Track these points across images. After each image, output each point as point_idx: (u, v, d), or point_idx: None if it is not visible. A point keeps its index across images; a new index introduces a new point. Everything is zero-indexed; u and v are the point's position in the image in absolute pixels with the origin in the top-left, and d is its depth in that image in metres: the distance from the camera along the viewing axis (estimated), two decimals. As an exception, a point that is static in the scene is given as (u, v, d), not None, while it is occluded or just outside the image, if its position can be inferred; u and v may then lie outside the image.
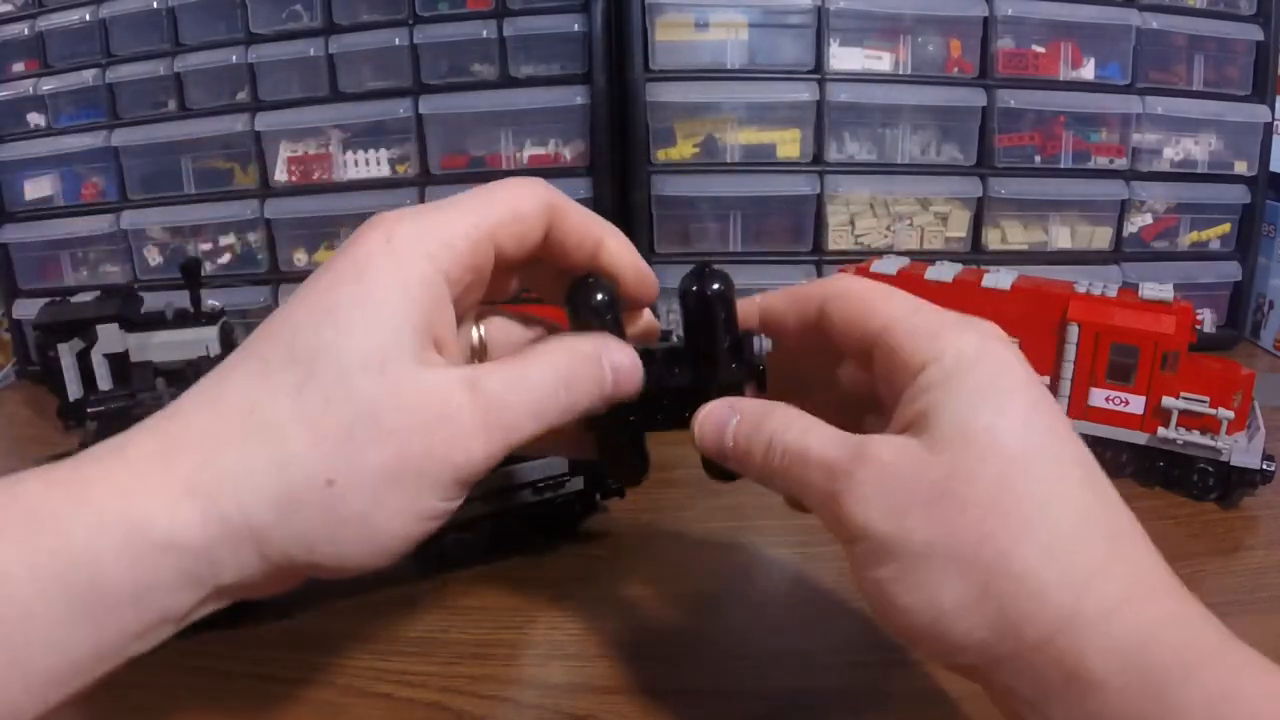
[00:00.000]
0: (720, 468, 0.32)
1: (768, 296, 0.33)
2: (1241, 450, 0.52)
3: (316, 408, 0.24)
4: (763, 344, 0.32)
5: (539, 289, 0.34)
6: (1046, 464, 0.25)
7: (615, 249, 0.31)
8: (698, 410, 0.31)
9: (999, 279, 0.58)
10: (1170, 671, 0.22)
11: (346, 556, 0.25)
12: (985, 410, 0.25)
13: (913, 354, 0.27)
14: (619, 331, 0.31)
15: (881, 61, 0.77)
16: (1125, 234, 0.80)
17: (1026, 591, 0.23)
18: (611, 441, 0.34)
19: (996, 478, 0.24)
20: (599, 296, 0.30)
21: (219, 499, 0.23)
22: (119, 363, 0.64)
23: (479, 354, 0.32)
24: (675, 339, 0.33)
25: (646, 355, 0.31)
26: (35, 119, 0.82)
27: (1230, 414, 0.51)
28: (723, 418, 0.30)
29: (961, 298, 0.59)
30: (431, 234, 0.26)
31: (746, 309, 0.33)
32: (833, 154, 0.78)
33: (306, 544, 0.24)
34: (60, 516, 0.22)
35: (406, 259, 0.26)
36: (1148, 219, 0.81)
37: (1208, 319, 0.81)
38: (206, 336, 0.65)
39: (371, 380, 0.24)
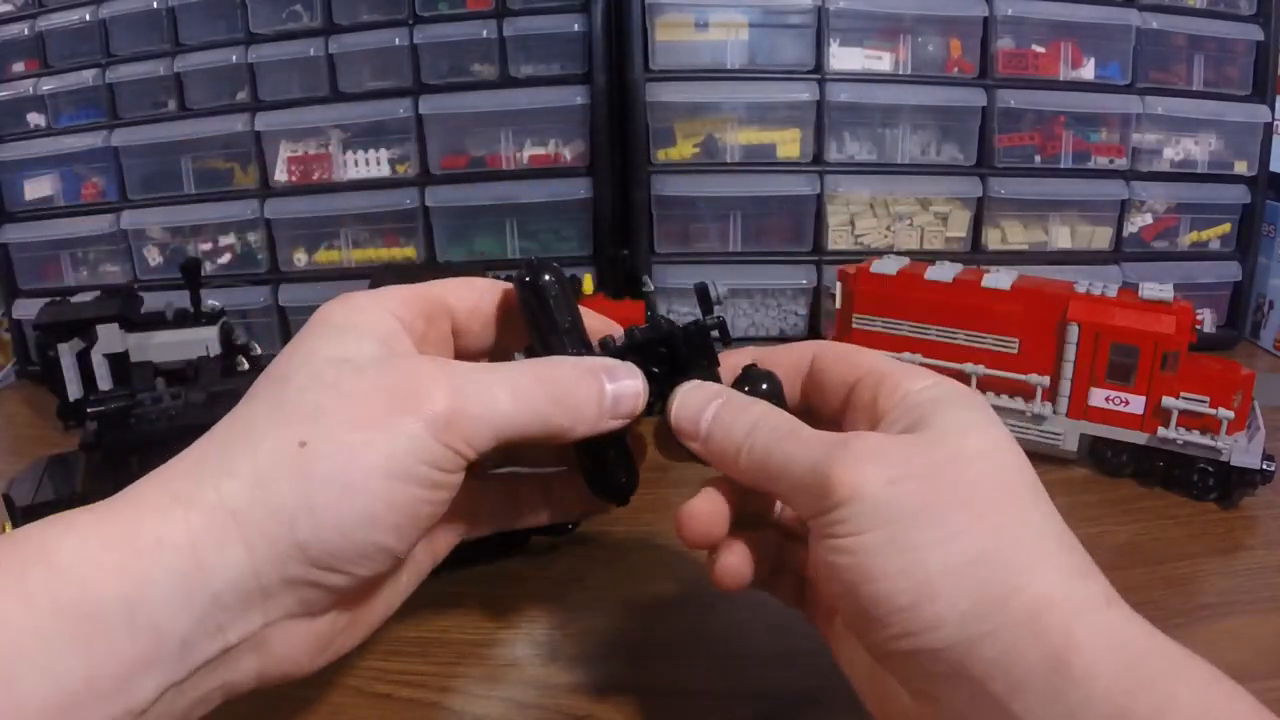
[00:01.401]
0: (680, 445, 0.32)
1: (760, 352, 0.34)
2: (1241, 450, 0.52)
3: (290, 397, 0.26)
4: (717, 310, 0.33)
5: None
6: (1029, 479, 0.26)
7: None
8: (678, 386, 0.31)
9: (999, 279, 0.58)
10: (1162, 667, 0.22)
11: (330, 526, 0.24)
12: (975, 424, 0.27)
13: (901, 382, 0.28)
14: (573, 313, 0.31)
15: (881, 61, 0.77)
16: (1125, 234, 0.80)
17: (1018, 565, 0.24)
18: (591, 454, 0.33)
19: (992, 473, 0.25)
20: (545, 277, 0.30)
21: (199, 492, 0.24)
22: (119, 363, 0.64)
23: None
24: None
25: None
26: (35, 119, 0.82)
27: (1230, 414, 0.51)
28: (706, 396, 0.30)
29: (961, 298, 0.59)
30: (383, 293, 0.30)
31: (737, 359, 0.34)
32: (833, 154, 0.78)
33: (286, 517, 0.24)
34: (50, 541, 0.22)
35: (365, 308, 0.29)
36: (1148, 219, 0.81)
37: (1208, 319, 0.81)
38: (206, 336, 0.65)
39: (341, 370, 0.26)
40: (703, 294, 0.34)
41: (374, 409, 0.25)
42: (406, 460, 0.25)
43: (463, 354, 0.33)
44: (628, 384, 0.30)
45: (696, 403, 0.30)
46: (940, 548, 0.24)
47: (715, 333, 0.32)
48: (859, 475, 0.25)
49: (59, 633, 0.21)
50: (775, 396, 0.31)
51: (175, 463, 0.26)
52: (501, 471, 0.37)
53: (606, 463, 0.34)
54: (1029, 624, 0.23)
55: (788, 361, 0.33)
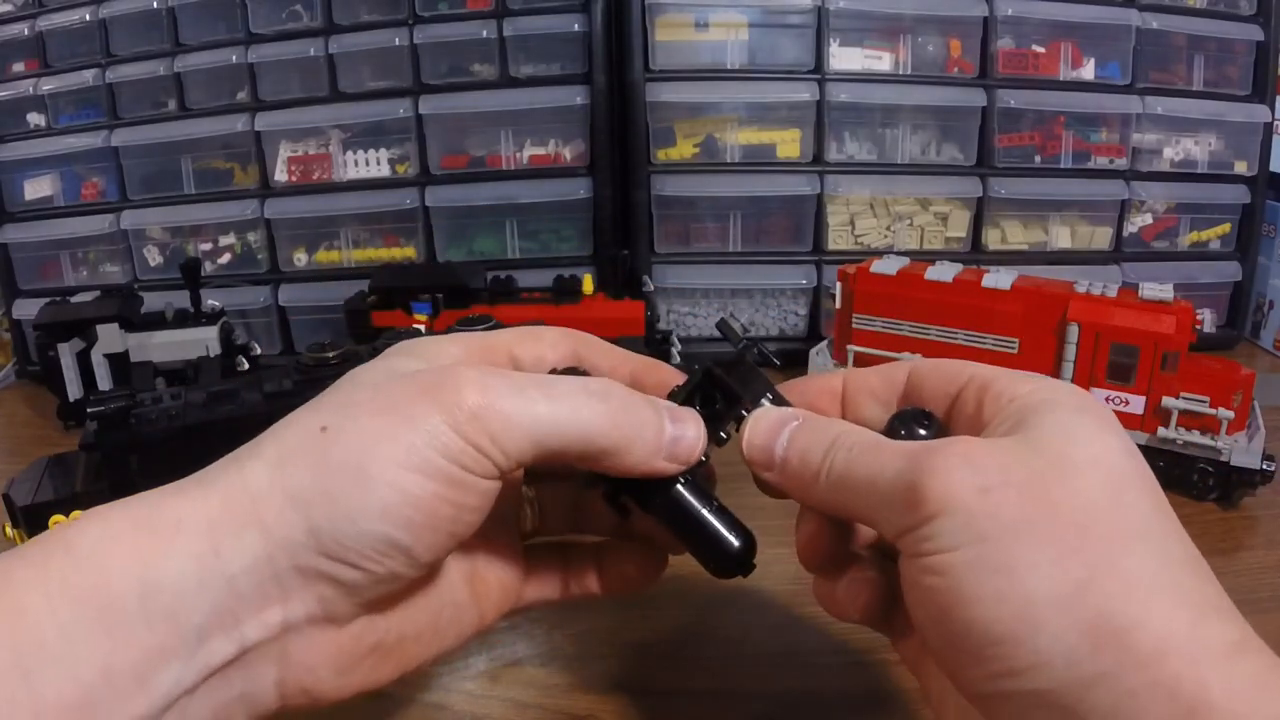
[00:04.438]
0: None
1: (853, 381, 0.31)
2: (1241, 450, 0.52)
3: (329, 396, 0.26)
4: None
5: None
6: (1151, 493, 0.23)
7: (642, 376, 0.32)
8: (749, 414, 0.28)
9: (999, 279, 0.58)
10: None
11: (343, 514, 0.23)
12: (1086, 428, 0.23)
13: (1007, 386, 0.26)
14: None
15: (881, 61, 0.77)
16: (1125, 234, 0.80)
17: (1138, 596, 0.20)
18: (685, 522, 0.28)
19: (1104, 484, 0.22)
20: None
21: (225, 476, 0.24)
22: (119, 363, 0.64)
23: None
24: (675, 340, 0.33)
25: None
26: (35, 119, 0.82)
27: (1230, 414, 0.51)
28: (780, 420, 0.28)
29: (961, 298, 0.59)
30: (447, 339, 0.29)
31: (827, 386, 0.31)
32: (833, 154, 0.78)
33: (302, 501, 0.23)
34: (71, 534, 0.22)
35: (429, 347, 0.29)
36: (1148, 219, 0.81)
37: (1208, 319, 0.81)
38: (206, 336, 0.65)
39: (388, 375, 0.26)
40: (725, 330, 0.34)
41: (398, 399, 0.24)
42: (425, 453, 0.23)
43: None
44: (690, 429, 0.28)
45: (769, 428, 0.28)
46: (1042, 570, 0.21)
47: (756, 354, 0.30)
48: (949, 483, 0.22)
49: (76, 621, 0.21)
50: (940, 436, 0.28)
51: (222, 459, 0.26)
52: (552, 540, 0.34)
53: (709, 526, 0.28)
54: (1153, 668, 0.20)
55: (882, 384, 0.30)
